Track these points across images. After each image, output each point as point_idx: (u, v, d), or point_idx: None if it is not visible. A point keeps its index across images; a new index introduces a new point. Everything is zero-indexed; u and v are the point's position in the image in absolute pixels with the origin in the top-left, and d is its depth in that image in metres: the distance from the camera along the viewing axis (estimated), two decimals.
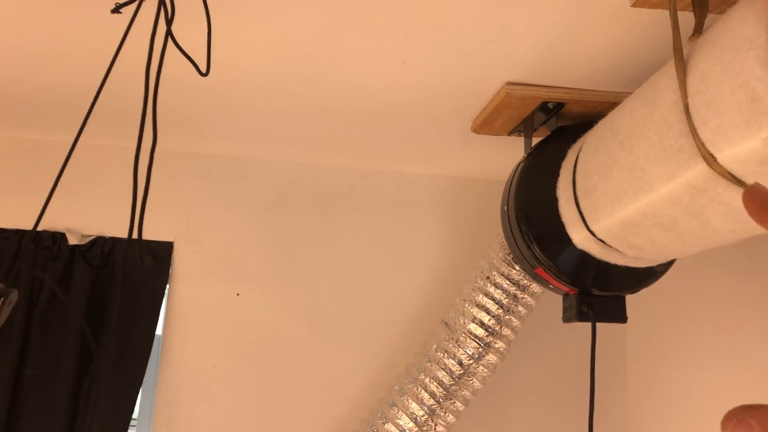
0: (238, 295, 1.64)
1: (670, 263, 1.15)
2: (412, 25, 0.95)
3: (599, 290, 1.16)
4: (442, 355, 1.37)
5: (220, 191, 1.67)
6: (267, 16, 0.94)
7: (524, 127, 1.28)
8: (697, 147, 0.68)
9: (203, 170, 1.68)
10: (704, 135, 0.66)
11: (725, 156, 0.64)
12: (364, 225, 1.72)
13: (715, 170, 0.67)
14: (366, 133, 1.46)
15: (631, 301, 1.64)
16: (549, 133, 1.24)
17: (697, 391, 1.42)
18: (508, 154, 1.51)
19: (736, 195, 0.68)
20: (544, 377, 1.71)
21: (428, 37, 0.99)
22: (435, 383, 1.36)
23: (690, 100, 0.68)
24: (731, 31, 0.63)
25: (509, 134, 1.34)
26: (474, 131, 1.35)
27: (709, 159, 0.67)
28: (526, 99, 1.16)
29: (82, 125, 0.64)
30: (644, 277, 1.15)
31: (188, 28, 0.87)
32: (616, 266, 1.06)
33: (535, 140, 1.26)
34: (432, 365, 1.38)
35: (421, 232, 1.74)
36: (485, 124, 1.30)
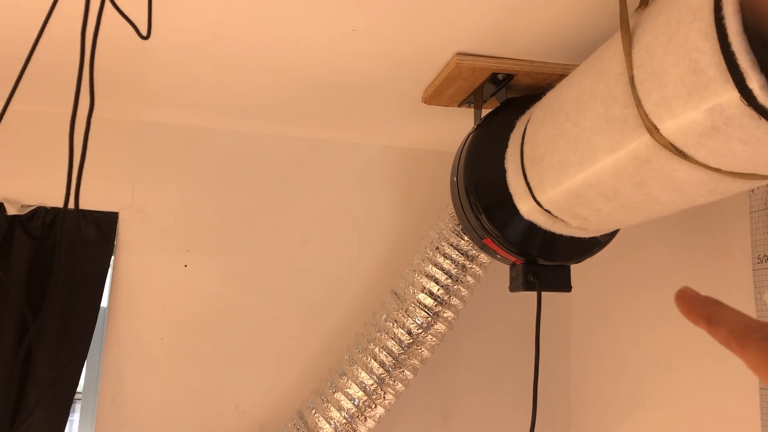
0: (185, 266, 1.61)
1: (614, 233, 1.17)
2: None
3: (545, 260, 1.18)
4: (391, 324, 1.38)
5: (167, 160, 1.63)
6: None
7: (474, 98, 1.28)
8: (641, 118, 0.69)
9: (150, 138, 1.63)
10: (648, 106, 0.67)
11: (668, 127, 0.65)
12: (314, 195, 1.70)
13: (658, 141, 0.68)
14: (316, 102, 1.44)
15: (577, 270, 1.68)
16: (499, 104, 1.24)
17: (637, 357, 1.47)
18: (459, 125, 1.51)
19: (677, 166, 0.69)
20: (491, 344, 1.74)
21: (378, 3, 0.97)
22: (384, 352, 1.37)
23: (635, 71, 0.69)
24: (676, 3, 0.64)
25: (460, 105, 1.34)
26: (425, 102, 1.35)
27: (653, 130, 0.68)
28: (476, 70, 1.16)
29: (13, 89, 0.60)
30: (589, 246, 1.18)
31: None
32: (561, 236, 1.08)
33: (486, 111, 1.26)
34: (381, 335, 1.39)
35: (371, 203, 1.74)
36: (436, 95, 1.29)
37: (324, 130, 1.67)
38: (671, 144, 0.67)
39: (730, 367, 1.19)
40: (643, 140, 0.70)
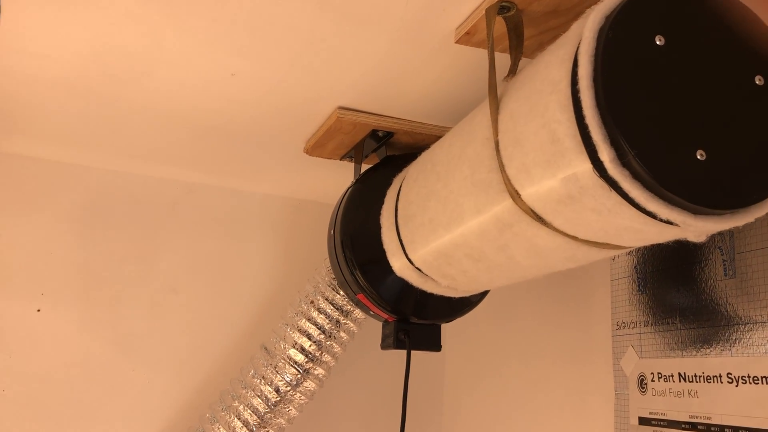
0: (38, 311, 1.48)
1: (484, 294, 1.19)
2: (239, 35, 0.91)
3: (418, 318, 1.17)
4: (258, 381, 1.32)
5: (25, 196, 1.51)
6: (81, 11, 0.86)
7: (355, 153, 1.28)
8: (504, 183, 0.70)
9: (6, 171, 1.50)
10: (510, 172, 0.69)
11: (528, 193, 0.67)
12: (187, 242, 1.62)
13: (520, 206, 0.69)
14: (193, 145, 1.39)
15: (452, 331, 1.69)
16: (379, 161, 1.25)
17: (505, 421, 1.48)
18: (342, 177, 1.50)
19: (537, 231, 0.71)
20: (363, 403, 1.70)
21: (257, 50, 0.95)
22: (249, 411, 1.30)
23: (500, 137, 0.71)
24: (538, 74, 0.66)
25: (342, 159, 1.34)
26: (307, 153, 1.33)
27: (515, 195, 0.69)
28: (357, 125, 1.16)
29: None
30: (460, 306, 1.19)
31: None
32: (433, 295, 1.08)
33: (366, 167, 1.26)
34: (247, 392, 1.32)
35: (250, 253, 1.68)
36: (317, 147, 1.28)
37: (202, 174, 1.60)
38: (531, 210, 0.68)
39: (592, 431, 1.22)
40: (505, 205, 0.71)
